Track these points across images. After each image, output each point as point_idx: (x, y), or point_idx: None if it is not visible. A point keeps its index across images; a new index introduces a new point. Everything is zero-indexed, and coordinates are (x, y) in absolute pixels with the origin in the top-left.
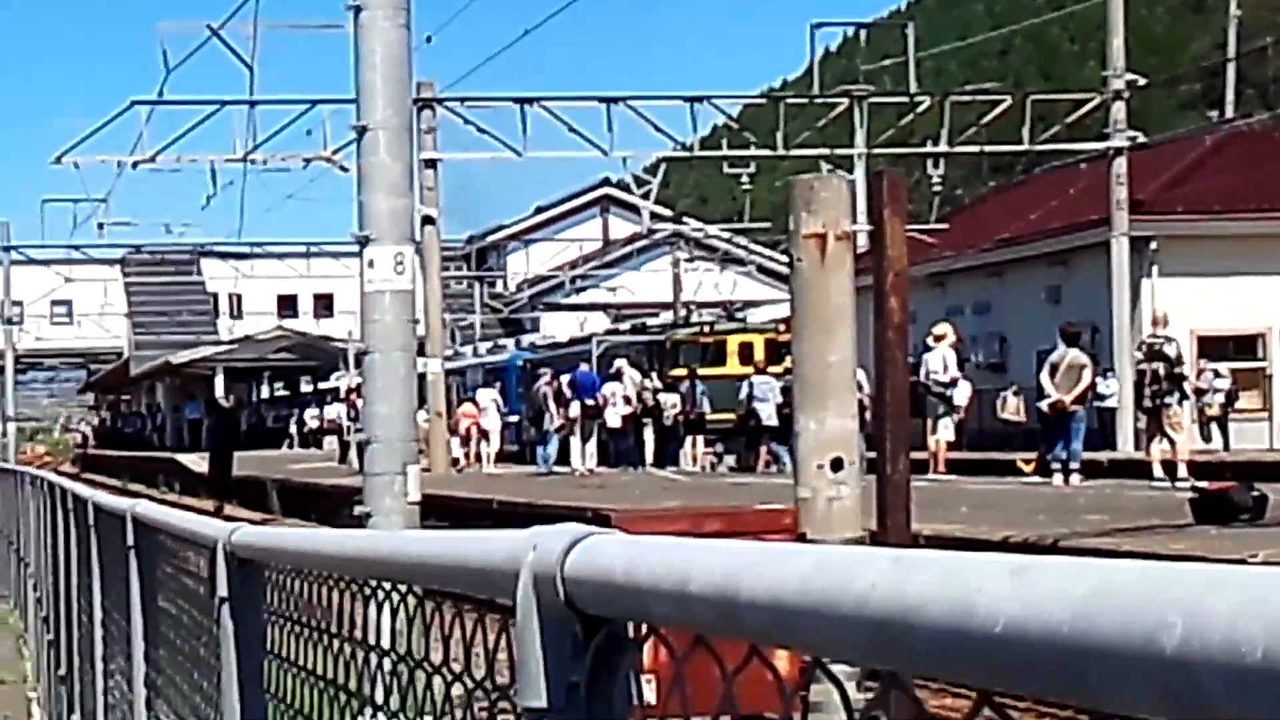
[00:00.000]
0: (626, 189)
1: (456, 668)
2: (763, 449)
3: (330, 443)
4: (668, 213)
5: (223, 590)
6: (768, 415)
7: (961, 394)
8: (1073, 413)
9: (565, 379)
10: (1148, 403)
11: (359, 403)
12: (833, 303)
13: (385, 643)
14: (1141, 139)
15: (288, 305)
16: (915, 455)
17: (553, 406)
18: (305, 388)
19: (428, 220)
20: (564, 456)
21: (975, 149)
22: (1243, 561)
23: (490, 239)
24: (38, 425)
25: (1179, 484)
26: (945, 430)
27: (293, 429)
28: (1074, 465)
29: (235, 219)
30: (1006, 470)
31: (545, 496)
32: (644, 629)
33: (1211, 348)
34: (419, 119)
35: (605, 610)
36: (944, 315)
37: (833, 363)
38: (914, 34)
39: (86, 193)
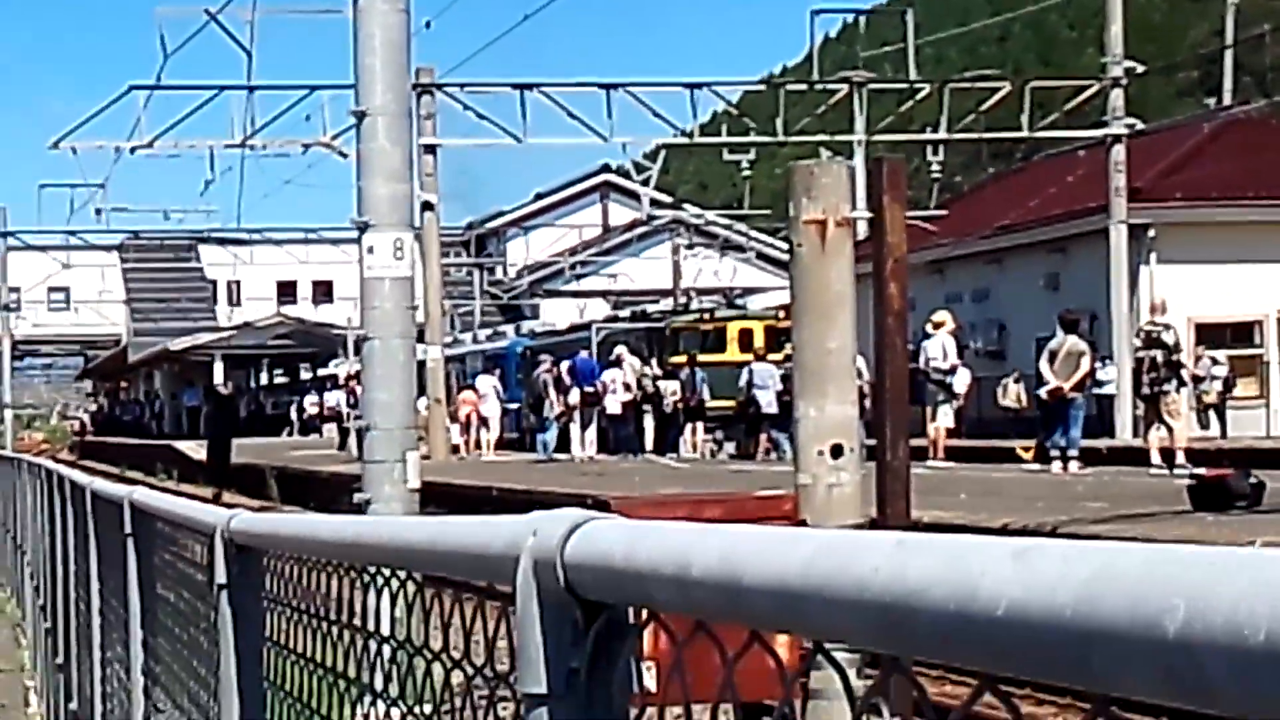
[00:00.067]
0: (626, 175)
1: (456, 654)
2: (763, 436)
3: (330, 430)
4: (668, 199)
5: (221, 577)
6: (768, 402)
7: (961, 381)
8: (1072, 400)
9: (565, 366)
10: (1146, 390)
11: (358, 390)
12: (832, 289)
13: (385, 629)
14: (1140, 126)
15: (287, 292)
16: (915, 442)
17: (553, 393)
18: (304, 375)
19: (427, 206)
20: (564, 444)
21: (974, 136)
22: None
23: (490, 225)
24: (35, 412)
25: (1177, 471)
26: (945, 417)
27: (293, 416)
28: (1073, 452)
29: (234, 205)
30: (1006, 457)
31: (545, 483)
32: (644, 614)
33: (1209, 335)
34: (418, 105)
35: (605, 595)
36: (943, 302)
37: (832, 349)
38: (913, 20)
39: (84, 178)
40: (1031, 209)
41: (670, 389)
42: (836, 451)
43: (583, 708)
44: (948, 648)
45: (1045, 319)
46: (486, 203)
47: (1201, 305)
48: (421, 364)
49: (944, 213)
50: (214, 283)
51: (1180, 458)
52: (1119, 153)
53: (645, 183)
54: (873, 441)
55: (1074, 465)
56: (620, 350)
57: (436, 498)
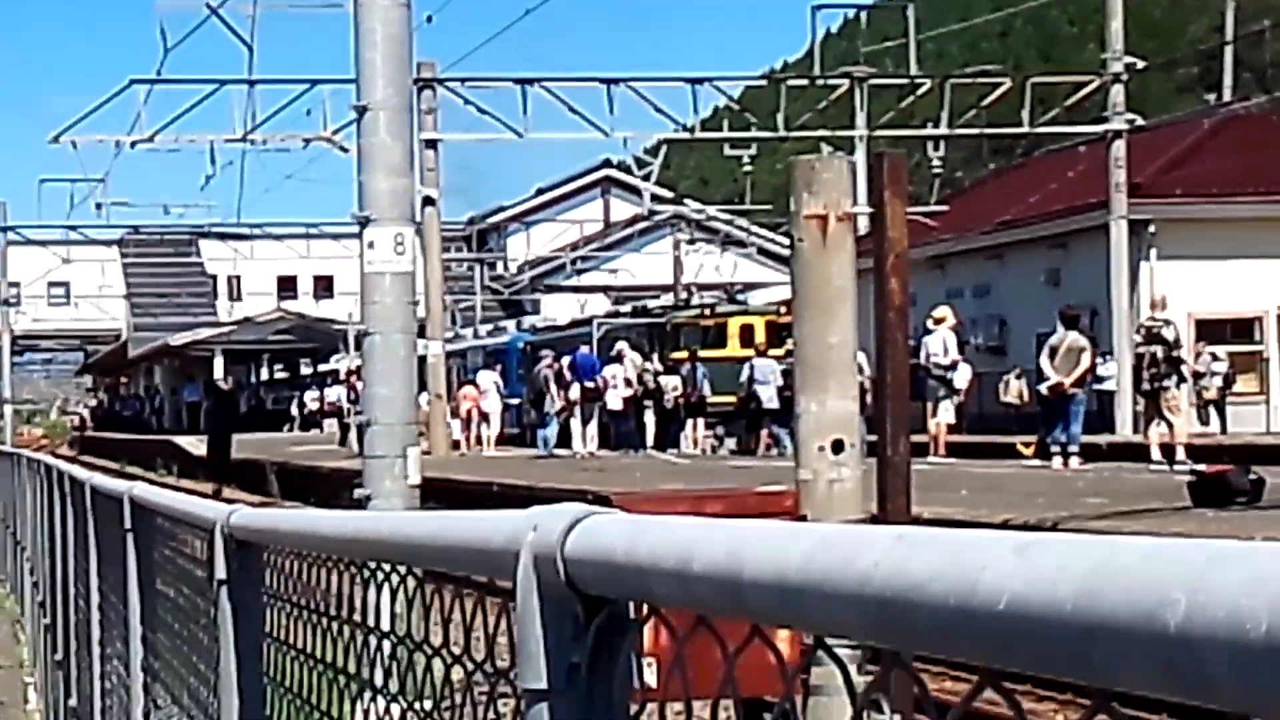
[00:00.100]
0: (627, 170)
1: (457, 650)
2: (764, 431)
3: (330, 425)
4: (669, 194)
5: (221, 573)
6: (769, 398)
7: (962, 377)
8: (1072, 395)
9: (565, 361)
10: (1146, 386)
11: (359, 385)
12: (833, 284)
13: (385, 625)
14: (1140, 122)
15: (287, 287)
16: (916, 438)
17: (553, 389)
18: (305, 370)
19: (428, 201)
20: (565, 439)
21: (975, 131)
22: None
23: (491, 220)
24: (34, 407)
25: (1177, 467)
26: (946, 413)
27: (294, 411)
28: (1073, 448)
29: (234, 200)
30: (1006, 453)
31: (546, 479)
32: (645, 609)
33: (1209, 331)
34: (419, 99)
35: (606, 590)
36: (944, 298)
37: (833, 344)
38: (914, 16)
39: (84, 172)
40: (1032, 204)
41: (671, 384)
42: (837, 447)
43: (583, 703)
44: (948, 642)
45: (1046, 314)
46: (488, 198)
47: (1201, 301)
48: (422, 359)
49: (945, 208)
50: (214, 278)
51: (1180, 454)
52: (1119, 148)
53: (646, 178)
54: (874, 437)
55: (1074, 461)
56: (621, 346)
57: (437, 493)
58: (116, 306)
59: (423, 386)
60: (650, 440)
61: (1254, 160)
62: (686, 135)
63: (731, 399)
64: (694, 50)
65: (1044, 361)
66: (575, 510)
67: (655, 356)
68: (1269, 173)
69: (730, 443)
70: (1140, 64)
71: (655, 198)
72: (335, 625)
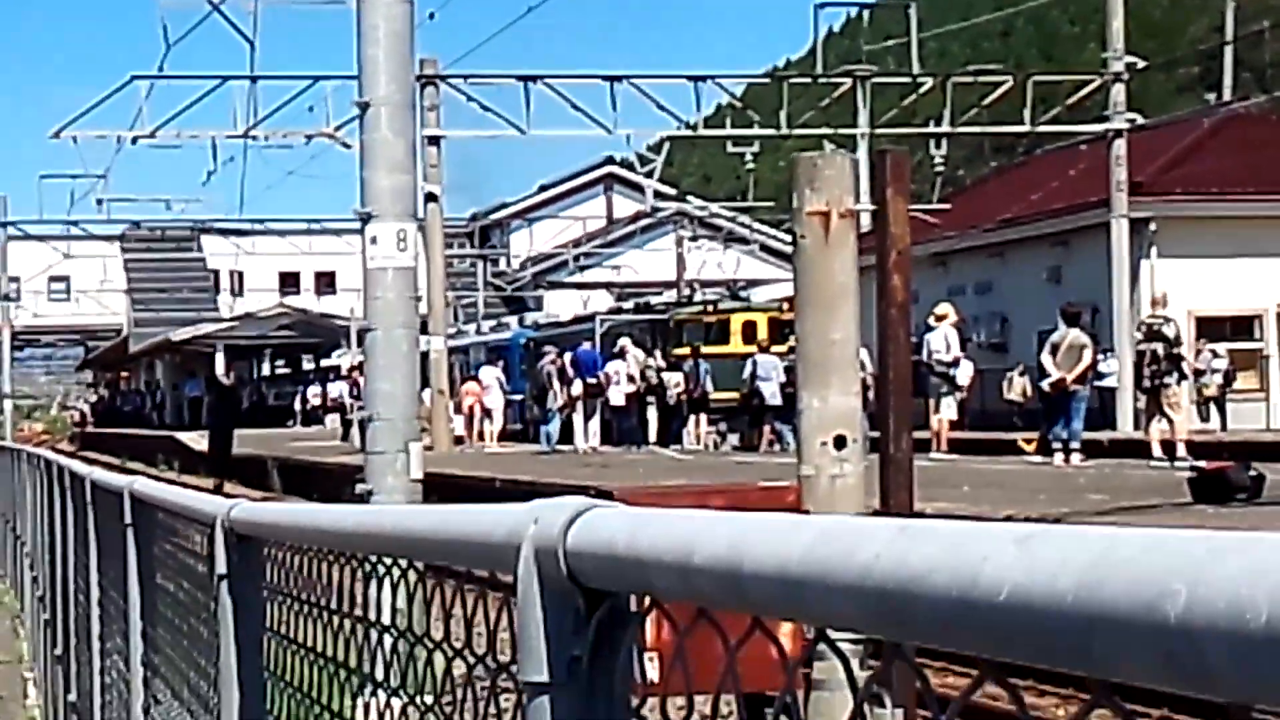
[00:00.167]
0: (630, 167)
1: (458, 644)
2: (766, 427)
3: (332, 420)
4: (671, 191)
5: (221, 567)
6: (771, 394)
7: (964, 374)
8: (1074, 392)
9: (567, 358)
10: (1147, 383)
11: (361, 380)
12: (836, 280)
13: (386, 619)
14: (1141, 121)
15: (289, 282)
16: (918, 434)
17: (556, 385)
18: (307, 365)
19: (431, 197)
20: (567, 435)
21: (977, 130)
22: None
23: (494, 217)
24: (35, 403)
25: (1178, 463)
26: (948, 410)
27: (297, 407)
28: (1074, 445)
29: (236, 195)
30: (1008, 450)
31: (548, 475)
32: (646, 602)
33: (1209, 328)
34: (422, 96)
35: (607, 584)
36: (946, 295)
37: (836, 340)
38: (916, 15)
39: (85, 168)
40: (1034, 203)
41: (674, 381)
42: (840, 443)
43: (584, 696)
44: (949, 634)
45: (1047, 312)
46: (490, 194)
47: (1202, 299)
48: (424, 355)
49: (947, 206)
50: (216, 273)
51: (1181, 450)
52: (1120, 147)
53: (649, 175)
54: (876, 433)
55: (1076, 457)
56: (624, 342)
57: (439, 489)
58: (117, 301)
59: (425, 382)
60: (653, 436)
61: (1254, 159)
62: (689, 132)
63: (734, 395)
64: (697, 48)
65: (1045, 358)
66: (576, 504)
67: (658, 353)
68: (1269, 172)
69: (733, 439)
70: (1141, 63)
71: (658, 194)
72: (336, 620)
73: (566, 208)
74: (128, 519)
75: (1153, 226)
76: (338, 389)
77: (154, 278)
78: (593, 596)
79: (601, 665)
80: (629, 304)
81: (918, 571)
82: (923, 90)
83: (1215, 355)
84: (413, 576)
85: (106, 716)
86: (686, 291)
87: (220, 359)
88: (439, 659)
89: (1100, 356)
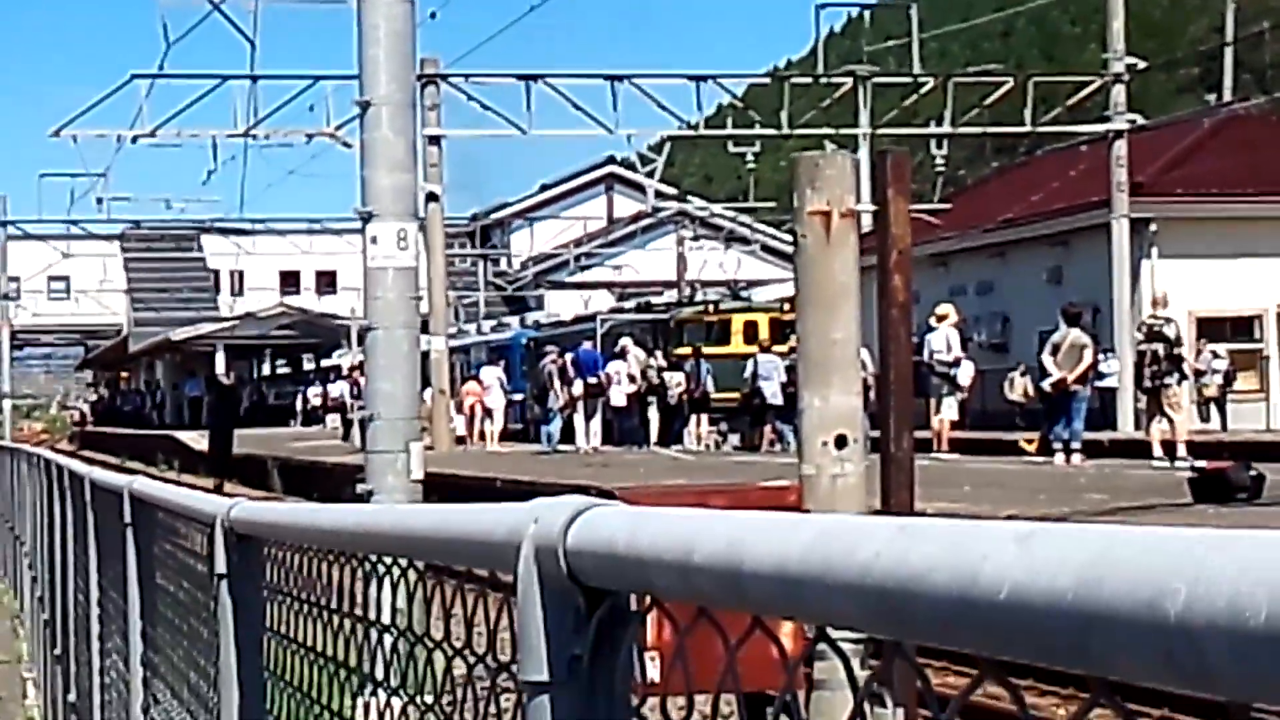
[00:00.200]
0: (631, 167)
1: (458, 644)
2: (767, 427)
3: (333, 420)
4: (672, 191)
5: (221, 567)
6: (772, 394)
7: (965, 374)
8: (1074, 392)
9: (569, 357)
10: (1147, 383)
11: (362, 380)
12: (837, 280)
13: (386, 619)
14: (1141, 122)
15: (290, 282)
16: (919, 435)
17: (557, 384)
18: (308, 365)
19: (432, 197)
20: (568, 435)
21: (978, 130)
22: None
23: (495, 216)
24: (35, 402)
25: (1178, 463)
26: (949, 409)
27: (298, 406)
28: (1075, 445)
29: (236, 195)
30: (1009, 450)
31: (549, 475)
32: (647, 601)
33: (1209, 329)
34: (423, 95)
35: (608, 582)
36: (947, 295)
37: (837, 340)
38: (917, 15)
39: (85, 167)
40: (1034, 203)
41: (675, 381)
42: (841, 442)
43: (585, 695)
44: (949, 632)
45: (1048, 312)
46: (491, 194)
47: (1202, 299)
48: (425, 355)
49: (948, 206)
50: (216, 272)
51: (1181, 450)
52: (1120, 148)
53: (650, 175)
54: (877, 433)
55: (1076, 457)
56: (625, 342)
57: (440, 489)
58: (117, 301)
59: (426, 382)
60: (654, 436)
61: (1254, 160)
62: (690, 132)
63: (735, 395)
64: (698, 47)
65: (1046, 358)
66: (576, 503)
67: (659, 353)
68: (1269, 172)
69: (734, 439)
70: (1141, 64)
71: (659, 194)
72: (336, 619)
73: (567, 207)
74: (127, 519)
75: (1153, 227)
76: (338, 389)
77: (154, 277)
78: (593, 595)
79: (602, 664)
80: (630, 304)
81: (917, 570)
82: (924, 91)
83: (1215, 355)
84: (413, 576)
85: (106, 716)
86: (688, 291)
87: (220, 358)
88: (439, 658)
89: (1101, 357)
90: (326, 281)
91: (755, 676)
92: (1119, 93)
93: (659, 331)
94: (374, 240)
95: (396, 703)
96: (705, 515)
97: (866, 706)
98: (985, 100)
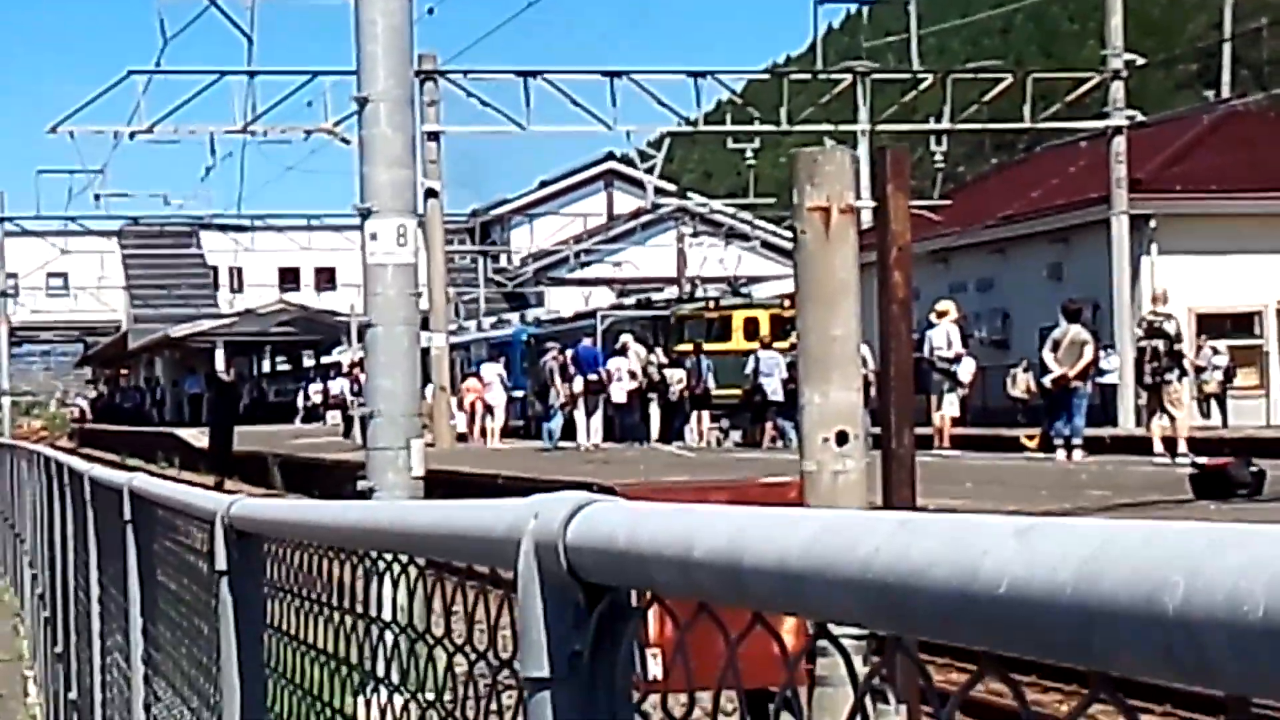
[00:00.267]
0: (630, 163)
1: (459, 641)
2: (768, 424)
3: (333, 417)
4: (672, 187)
5: (221, 564)
6: (773, 390)
7: (966, 370)
8: (1075, 389)
9: (569, 354)
10: (1148, 379)
11: (362, 377)
12: (836, 276)
13: (387, 616)
14: (1140, 118)
15: (289, 278)
16: (919, 431)
17: (558, 381)
18: (308, 362)
19: (431, 193)
20: (569, 432)
21: (977, 126)
22: None
23: (494, 213)
24: (34, 399)
25: (1179, 460)
26: (950, 406)
27: (300, 403)
28: (1076, 441)
29: (235, 191)
30: (1010, 446)
31: (550, 471)
32: (647, 597)
33: (1209, 325)
34: (421, 91)
35: (608, 578)
36: (947, 292)
37: (837, 336)
38: (916, 11)
39: (83, 163)
40: (1034, 199)
41: (676, 377)
42: (841, 438)
43: (585, 691)
44: (949, 627)
45: (1048, 309)
46: (491, 190)
47: (1202, 295)
48: (425, 351)
49: (948, 202)
50: (215, 269)
51: (1182, 447)
52: (1120, 144)
53: (650, 171)
54: (878, 429)
55: (1077, 454)
56: (626, 339)
57: (441, 485)
58: (116, 298)
59: (426, 379)
60: (655, 433)
61: (1253, 156)
62: (689, 128)
63: (736, 392)
64: (697, 44)
65: (1047, 355)
66: (576, 498)
67: (659, 349)
68: (1267, 169)
69: (735, 435)
70: (1140, 60)
71: (659, 191)
72: (337, 616)
73: (567, 204)
74: (127, 516)
75: (1153, 223)
76: (339, 385)
77: (153, 274)
78: (593, 591)
79: (602, 660)
80: (630, 300)
81: (918, 565)
82: (923, 87)
83: (1215, 352)
84: (413, 572)
85: (107, 714)
86: (688, 288)
87: (220, 355)
88: (440, 655)
89: (1101, 353)
90: (326, 278)
91: (757, 673)
92: (1118, 89)
93: (659, 328)
94: (373, 237)
95: (398, 700)
96: (705, 511)
97: (870, 704)
98: (984, 97)
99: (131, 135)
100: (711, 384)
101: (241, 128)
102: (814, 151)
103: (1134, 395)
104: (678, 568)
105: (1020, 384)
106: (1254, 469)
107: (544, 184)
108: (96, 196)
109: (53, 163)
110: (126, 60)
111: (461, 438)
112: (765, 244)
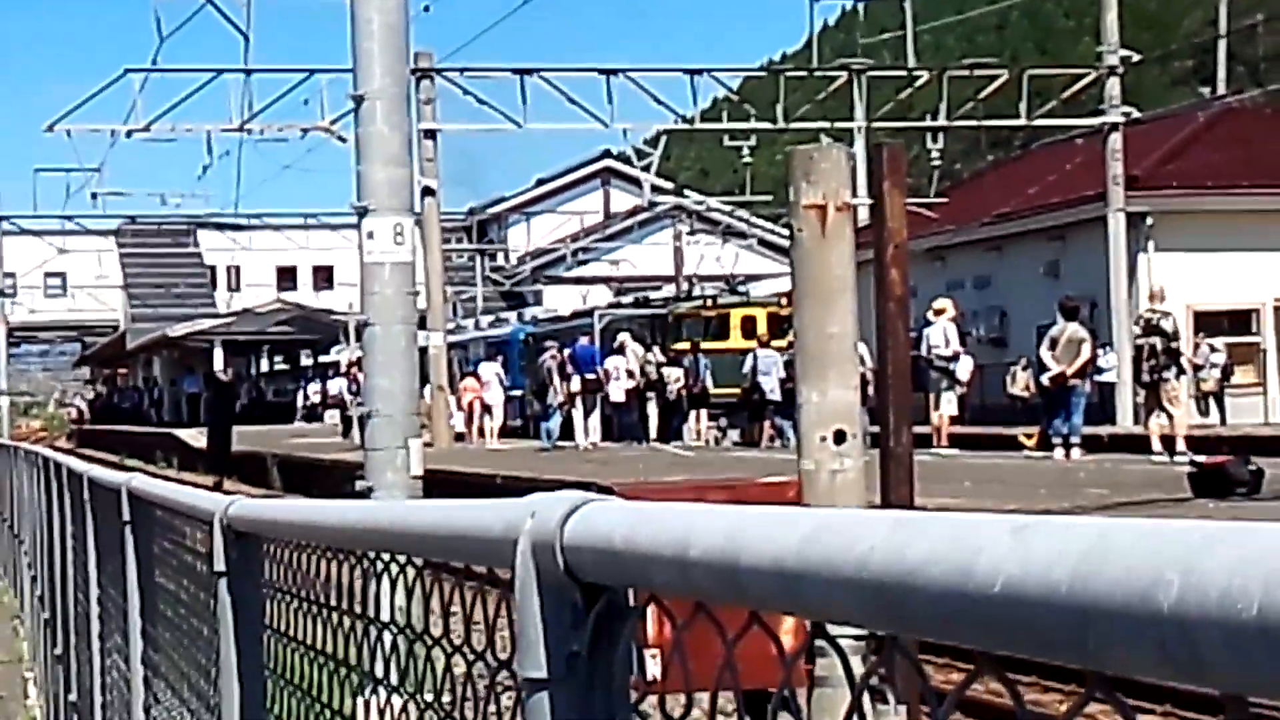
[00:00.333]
0: (627, 161)
1: (457, 641)
2: (766, 423)
3: (332, 417)
4: (669, 185)
5: (220, 565)
6: (771, 389)
7: (964, 368)
8: (1073, 387)
9: (567, 353)
10: (1146, 377)
11: (360, 376)
12: (833, 274)
13: (385, 616)
14: (1136, 115)
15: (287, 277)
16: (918, 430)
17: (556, 380)
18: (306, 361)
19: (428, 192)
20: (568, 431)
21: (973, 123)
22: None
23: (491, 211)
24: (32, 400)
25: (1177, 458)
26: (948, 404)
27: (299, 403)
28: (1074, 439)
29: (232, 190)
30: (1009, 445)
31: (548, 471)
32: (645, 596)
33: (1207, 323)
34: (418, 89)
35: (605, 578)
36: (944, 289)
37: (833, 334)
38: (912, 8)
39: (80, 162)
40: (1031, 196)
41: (674, 376)
42: (839, 437)
43: (583, 691)
44: (945, 626)
45: (1046, 306)
46: (488, 188)
47: (1199, 293)
48: (423, 351)
49: (944, 200)
50: (213, 268)
51: (1180, 445)
52: (1116, 141)
53: (646, 169)
54: (876, 428)
55: (1076, 452)
56: (623, 337)
57: (439, 485)
58: (113, 297)
59: (424, 378)
60: (653, 432)
61: (1249, 153)
62: (686, 126)
63: (734, 390)
64: (692, 41)
65: (1045, 353)
66: (573, 497)
67: (657, 348)
68: (1263, 165)
69: (733, 434)
70: (1135, 57)
71: (655, 189)
72: (336, 617)
73: (564, 202)
74: (126, 516)
75: (1149, 220)
76: (337, 385)
77: (150, 273)
78: (590, 591)
79: (600, 660)
80: (628, 299)
81: (914, 564)
82: (918, 84)
83: (1213, 349)
84: (412, 573)
85: (107, 716)
86: (685, 286)
87: (218, 355)
88: (439, 656)
89: (1099, 351)
90: (323, 277)
91: (755, 673)
92: (1113, 86)
93: (657, 327)
94: (370, 235)
95: (397, 700)
96: (703, 510)
97: (869, 704)
98: (980, 94)
99: (128, 134)
100: (709, 383)
101: (238, 126)
102: (810, 149)
103: (1132, 393)
104: (675, 567)
105: (1020, 381)
106: (1252, 467)
107: (541, 182)
108: (94, 195)
109: (50, 161)
110: (123, 59)
111: (460, 437)
112: (762, 242)
